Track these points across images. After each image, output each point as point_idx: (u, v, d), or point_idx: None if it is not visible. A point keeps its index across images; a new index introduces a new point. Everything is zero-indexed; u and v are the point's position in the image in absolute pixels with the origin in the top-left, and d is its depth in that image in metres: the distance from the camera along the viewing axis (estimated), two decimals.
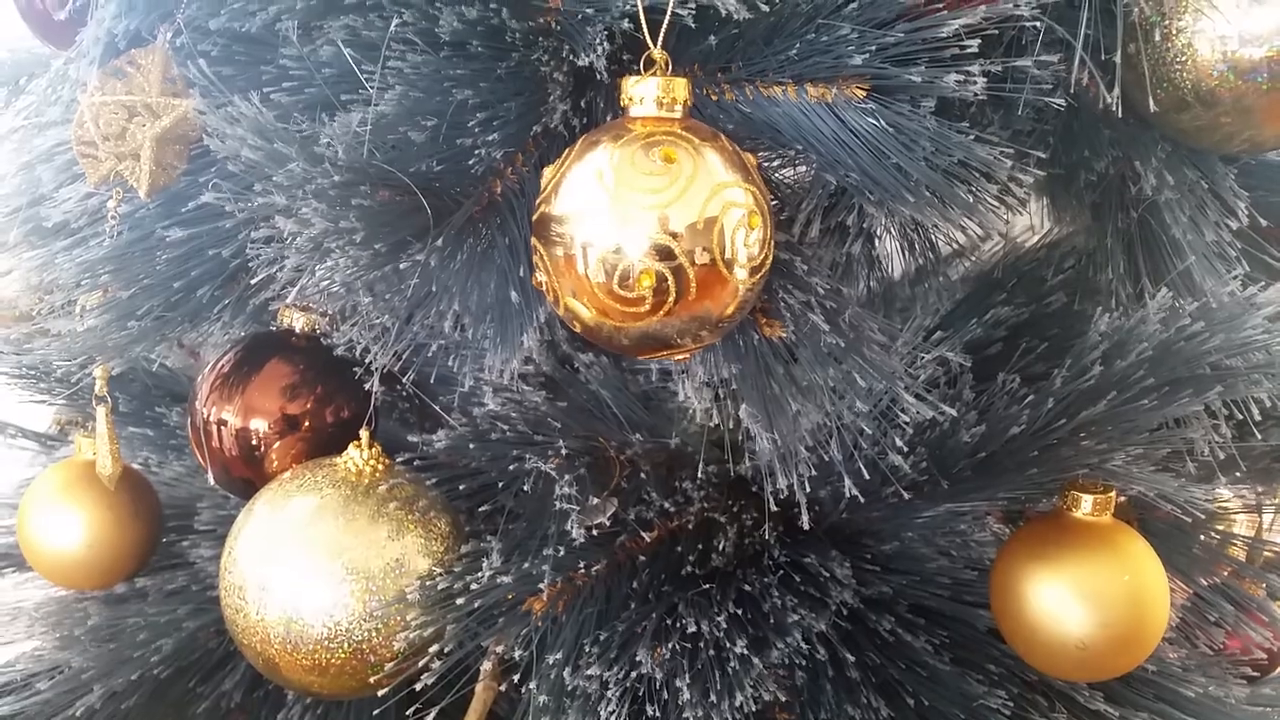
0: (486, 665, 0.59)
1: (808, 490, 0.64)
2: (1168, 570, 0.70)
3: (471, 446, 0.56)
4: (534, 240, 0.45)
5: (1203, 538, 0.70)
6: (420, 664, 0.50)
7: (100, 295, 0.55)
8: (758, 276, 0.45)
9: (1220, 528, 0.70)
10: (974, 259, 0.69)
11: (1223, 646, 0.76)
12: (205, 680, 0.67)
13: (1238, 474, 0.60)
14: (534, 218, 0.46)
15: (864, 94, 0.51)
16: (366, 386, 0.52)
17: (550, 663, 0.48)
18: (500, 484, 0.56)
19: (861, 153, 0.51)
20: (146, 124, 0.56)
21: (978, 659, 0.61)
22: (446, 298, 0.49)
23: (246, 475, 0.60)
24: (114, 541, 0.71)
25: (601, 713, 0.46)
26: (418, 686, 0.52)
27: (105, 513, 0.71)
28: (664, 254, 0.43)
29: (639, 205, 0.43)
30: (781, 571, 0.58)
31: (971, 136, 0.49)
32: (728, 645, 0.50)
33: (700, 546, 0.61)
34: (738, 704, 0.47)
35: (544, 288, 0.46)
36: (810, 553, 0.60)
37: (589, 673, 0.47)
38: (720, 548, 0.61)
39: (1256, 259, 0.61)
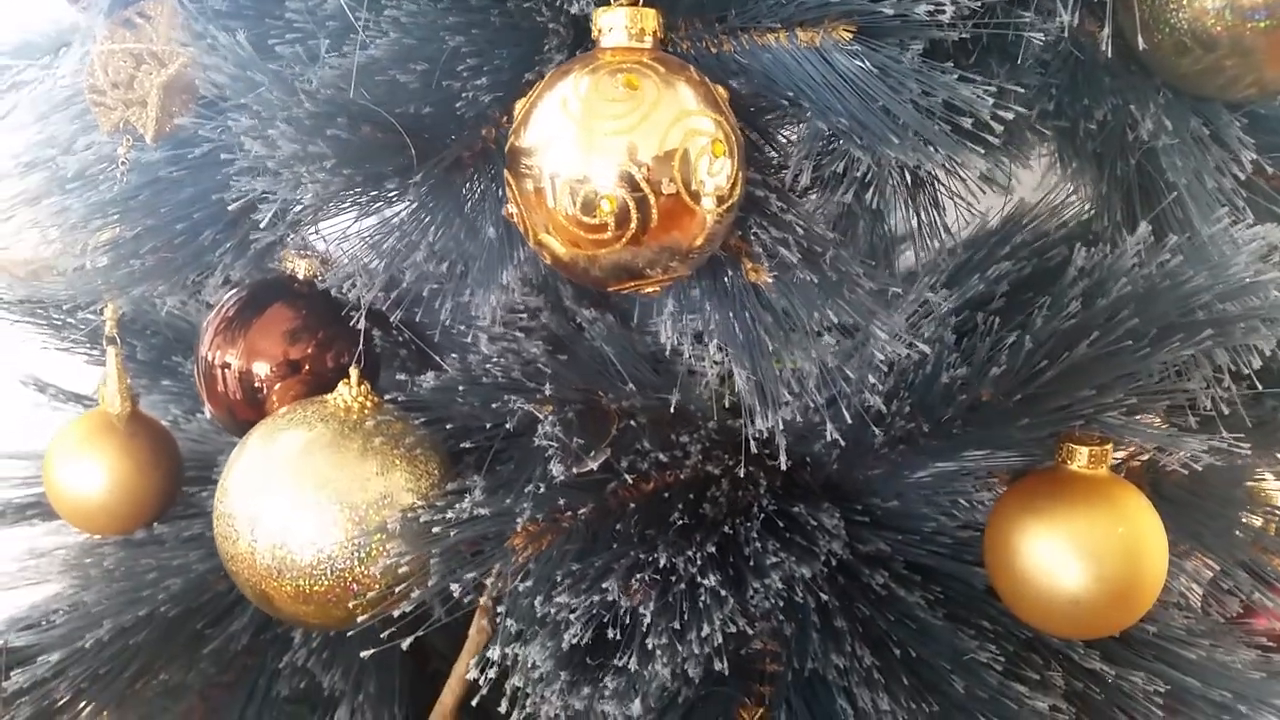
0: (483, 602, 0.60)
1: (801, 444, 0.65)
2: (1189, 543, 0.69)
3: (461, 389, 0.57)
4: (506, 173, 0.46)
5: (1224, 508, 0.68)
6: (406, 595, 0.51)
7: (109, 235, 0.56)
8: (725, 207, 0.45)
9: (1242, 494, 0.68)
10: (980, 214, 0.68)
11: (1240, 618, 0.74)
12: (214, 623, 0.69)
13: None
14: (506, 150, 0.46)
15: (850, 36, 0.51)
16: (354, 324, 0.53)
17: (521, 590, 0.48)
18: (488, 426, 0.57)
19: (850, 96, 0.51)
20: (153, 71, 0.58)
21: (972, 616, 0.61)
22: (428, 235, 0.50)
23: (250, 418, 0.62)
24: (132, 488, 0.74)
25: (565, 637, 0.46)
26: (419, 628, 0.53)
27: (125, 460, 0.73)
28: (628, 181, 0.43)
29: (603, 132, 0.43)
30: (765, 517, 0.57)
31: (955, 76, 0.49)
32: (700, 580, 0.50)
33: (692, 497, 0.61)
34: (704, 634, 0.47)
35: (515, 219, 0.47)
36: (799, 503, 0.60)
37: (558, 600, 0.47)
38: (713, 498, 0.61)
39: (1264, 209, 0.59)
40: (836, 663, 0.56)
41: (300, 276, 0.63)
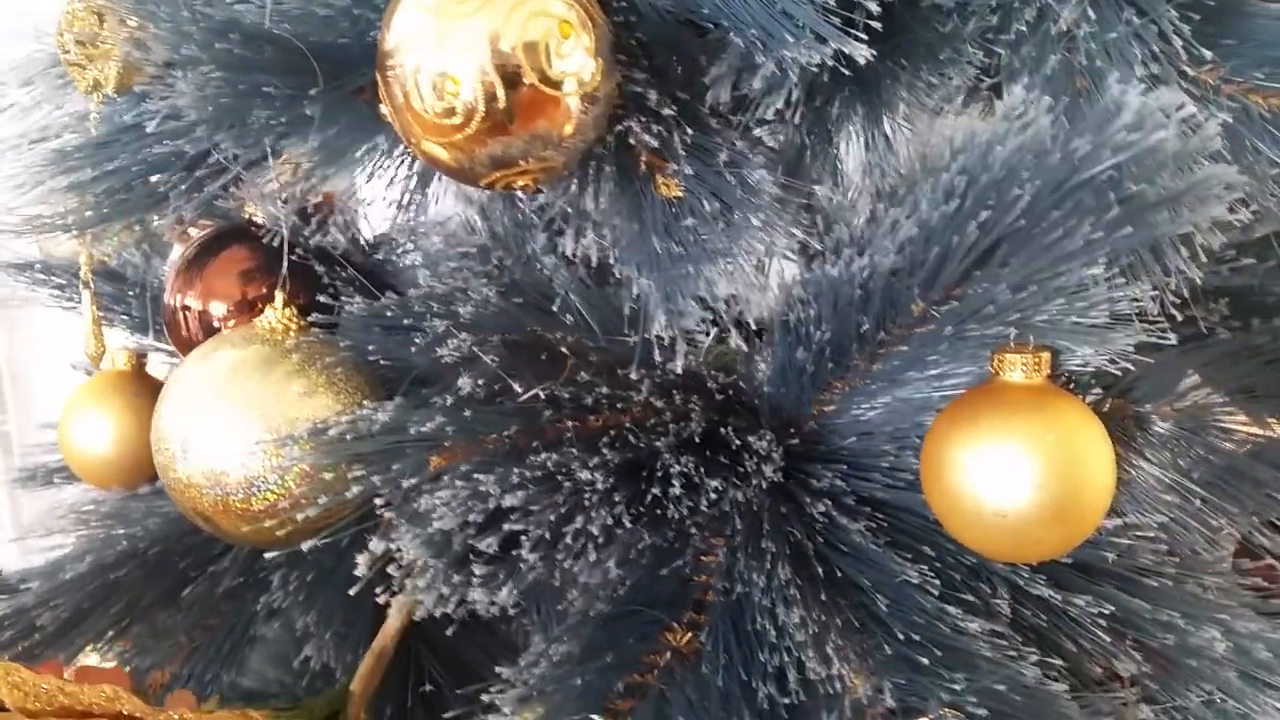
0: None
1: (747, 381, 0.64)
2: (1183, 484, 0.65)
3: (389, 314, 0.58)
4: (377, 77, 0.48)
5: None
6: (313, 501, 0.52)
7: (69, 180, 0.61)
8: (587, 95, 0.46)
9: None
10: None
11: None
12: (197, 565, 0.72)
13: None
14: (377, 54, 0.48)
15: None
16: (288, 252, 0.55)
17: (405, 486, 0.49)
18: (414, 351, 0.58)
19: (755, 4, 0.51)
20: (116, 26, 0.62)
21: (916, 544, 0.58)
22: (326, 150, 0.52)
23: None
24: (138, 443, 0.78)
25: (434, 523, 0.46)
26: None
27: (131, 417, 0.78)
28: (483, 70, 0.44)
29: (454, 18, 0.44)
30: (688, 437, 0.57)
31: None
32: (589, 482, 0.49)
33: (628, 425, 0.61)
34: (578, 526, 0.47)
35: (396, 126, 0.48)
36: (728, 426, 0.59)
37: (440, 494, 0.48)
38: (650, 428, 0.61)
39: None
40: (759, 582, 0.55)
41: (259, 220, 0.66)
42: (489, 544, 0.46)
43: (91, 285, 0.68)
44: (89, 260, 0.67)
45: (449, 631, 0.68)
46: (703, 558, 0.61)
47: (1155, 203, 0.47)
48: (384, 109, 0.48)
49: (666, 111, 0.50)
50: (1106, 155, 0.45)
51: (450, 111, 0.44)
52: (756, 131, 0.65)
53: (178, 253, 0.66)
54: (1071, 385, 0.61)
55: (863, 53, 0.48)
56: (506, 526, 0.46)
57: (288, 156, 0.57)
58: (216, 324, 0.64)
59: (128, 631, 0.70)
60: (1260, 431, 0.65)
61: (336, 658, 0.67)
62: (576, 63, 0.45)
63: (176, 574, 0.71)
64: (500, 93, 0.44)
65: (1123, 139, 0.43)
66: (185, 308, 0.65)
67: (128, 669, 0.73)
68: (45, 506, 0.83)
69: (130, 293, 0.78)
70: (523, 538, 0.47)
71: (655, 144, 0.49)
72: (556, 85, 0.45)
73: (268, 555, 0.72)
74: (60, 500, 0.85)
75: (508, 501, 0.47)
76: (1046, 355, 0.54)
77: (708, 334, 0.64)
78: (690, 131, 0.51)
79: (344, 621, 0.69)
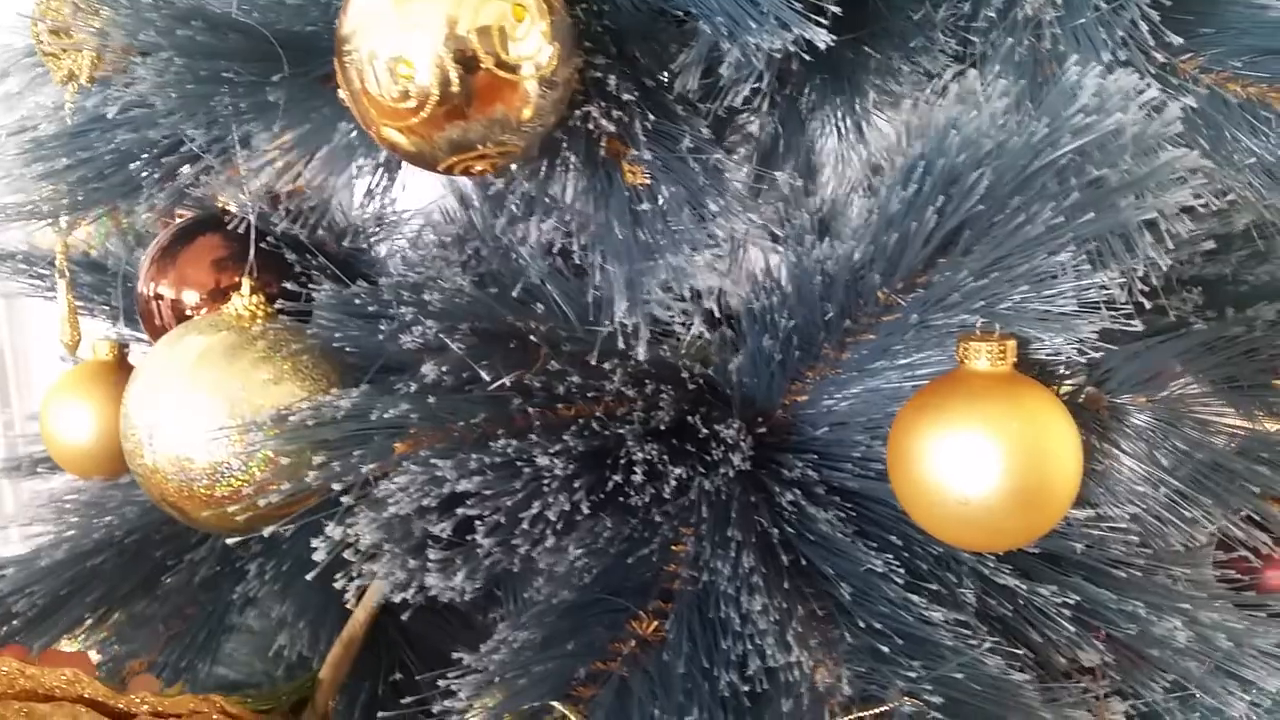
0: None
1: (720, 373, 0.64)
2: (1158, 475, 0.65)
3: (357, 301, 0.58)
4: (335, 63, 0.48)
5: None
6: (277, 486, 0.52)
7: (44, 168, 0.61)
8: (545, 74, 0.45)
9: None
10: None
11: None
12: (174, 553, 0.72)
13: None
14: (335, 40, 0.48)
15: None
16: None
17: (365, 471, 0.49)
18: (381, 338, 0.58)
19: None
20: (88, 16, 0.62)
21: (884, 534, 0.58)
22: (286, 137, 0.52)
23: None
24: (119, 433, 0.78)
25: (390, 507, 0.46)
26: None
27: (113, 407, 0.78)
28: (438, 54, 0.44)
29: (410, 4, 0.44)
30: (654, 427, 0.56)
31: None
32: (548, 468, 0.49)
33: (598, 414, 0.61)
34: (535, 511, 0.47)
35: (355, 114, 0.48)
36: (699, 415, 0.59)
37: (397, 480, 0.48)
38: (620, 417, 0.61)
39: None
40: (724, 570, 0.54)
41: (232, 209, 0.66)
42: (442, 528, 0.46)
43: (67, 274, 0.68)
44: (64, 249, 0.68)
45: (425, 620, 0.69)
46: (673, 547, 0.61)
47: (1118, 188, 0.47)
48: (343, 94, 0.48)
49: (627, 97, 0.50)
50: (1066, 139, 0.45)
51: (405, 95, 0.44)
52: (727, 119, 0.65)
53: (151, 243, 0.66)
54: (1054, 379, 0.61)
55: (823, 38, 0.48)
56: (460, 511, 0.46)
57: (269, 147, 0.58)
58: (189, 312, 0.64)
59: (106, 620, 0.70)
60: (1238, 423, 0.65)
61: (311, 647, 0.68)
62: (532, 47, 0.45)
63: (154, 562, 0.71)
64: (454, 76, 0.44)
65: (1080, 121, 0.43)
66: (158, 296, 0.65)
67: (106, 656, 0.73)
68: (31, 496, 0.84)
69: (112, 283, 0.78)
70: (478, 523, 0.46)
71: (613, 128, 0.49)
72: (513, 69, 0.45)
73: (244, 544, 0.72)
74: (49, 490, 0.86)
75: (462, 486, 0.47)
76: (1012, 343, 0.53)
77: (686, 326, 0.64)
78: (652, 117, 0.51)
79: (319, 610, 0.69)
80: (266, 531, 0.52)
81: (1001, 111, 0.42)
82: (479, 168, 0.48)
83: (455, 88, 0.44)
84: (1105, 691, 0.60)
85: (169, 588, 0.71)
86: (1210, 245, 0.66)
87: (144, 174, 0.62)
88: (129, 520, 0.70)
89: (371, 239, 0.68)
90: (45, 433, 0.80)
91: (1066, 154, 0.45)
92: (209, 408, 0.55)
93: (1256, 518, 0.63)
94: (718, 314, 0.69)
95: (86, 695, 0.50)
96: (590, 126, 0.50)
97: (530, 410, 0.61)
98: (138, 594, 0.71)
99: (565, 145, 0.54)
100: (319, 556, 0.48)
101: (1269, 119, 0.64)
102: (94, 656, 0.75)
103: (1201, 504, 0.62)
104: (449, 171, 0.48)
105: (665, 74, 0.57)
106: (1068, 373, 0.62)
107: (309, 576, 0.48)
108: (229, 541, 0.60)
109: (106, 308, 0.80)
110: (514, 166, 0.59)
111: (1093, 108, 0.44)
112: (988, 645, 0.48)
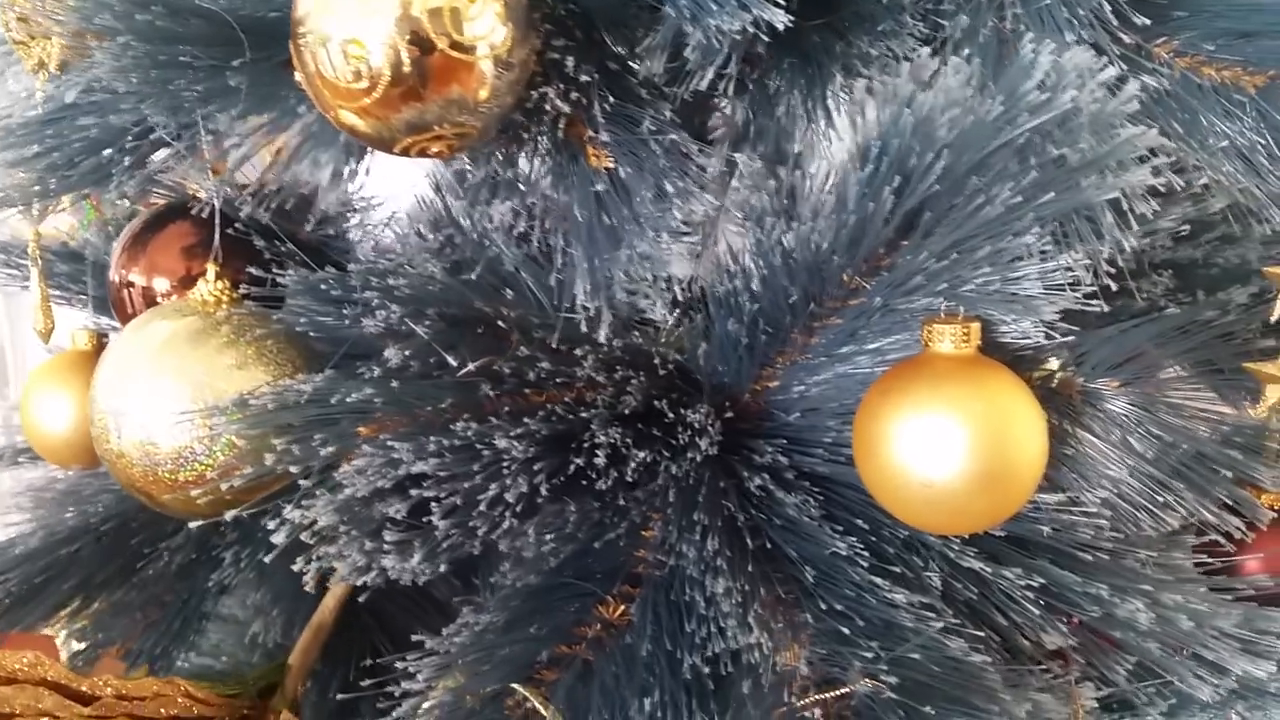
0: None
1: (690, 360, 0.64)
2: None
3: (323, 286, 0.58)
4: (291, 46, 0.48)
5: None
6: (238, 469, 0.52)
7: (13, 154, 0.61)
8: (499, 55, 0.45)
9: None
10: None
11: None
12: (150, 541, 0.72)
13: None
14: (291, 22, 0.48)
15: None
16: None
17: (324, 455, 0.49)
18: (346, 324, 0.58)
19: None
20: (56, 3, 0.62)
21: (851, 518, 0.58)
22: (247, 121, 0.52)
23: None
24: None
25: (346, 489, 0.46)
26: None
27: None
28: (390, 35, 0.44)
29: None
30: (621, 411, 0.56)
31: None
32: (506, 451, 0.49)
33: (567, 400, 0.61)
34: (493, 494, 0.47)
35: (310, 94, 0.48)
36: (666, 400, 0.58)
37: (355, 462, 0.48)
38: (590, 403, 0.61)
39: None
40: (690, 554, 0.54)
41: (202, 196, 0.66)
42: (397, 510, 0.46)
43: (39, 262, 0.68)
44: (37, 237, 0.68)
45: (400, 607, 0.69)
46: (643, 533, 0.61)
47: (1078, 167, 0.47)
48: (299, 77, 0.48)
49: (585, 78, 0.49)
50: (1024, 117, 0.45)
51: (357, 76, 0.44)
52: (706, 105, 0.65)
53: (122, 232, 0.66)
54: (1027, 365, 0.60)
55: (781, 19, 0.47)
56: (415, 492, 0.46)
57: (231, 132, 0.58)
58: (160, 299, 0.64)
59: (85, 608, 0.71)
60: (1212, 407, 0.64)
61: (285, 634, 0.68)
62: (486, 27, 0.44)
63: (130, 550, 0.71)
64: (406, 57, 0.44)
65: (1037, 99, 0.43)
66: (129, 284, 0.65)
67: (86, 643, 0.74)
68: (11, 486, 0.84)
69: (89, 273, 0.78)
70: (434, 505, 0.46)
71: (569, 109, 0.49)
72: (467, 50, 0.45)
73: (220, 532, 0.72)
74: (27, 480, 0.86)
75: (418, 468, 0.47)
76: (976, 325, 0.53)
77: (666, 315, 0.64)
78: (613, 99, 0.51)
79: (294, 598, 0.69)
80: (228, 516, 0.51)
81: (957, 88, 0.42)
82: (435, 149, 0.48)
83: (407, 68, 0.44)
84: (1076, 678, 0.60)
85: (146, 576, 0.71)
86: (1185, 230, 0.66)
87: (114, 161, 0.62)
88: (105, 508, 0.71)
89: (342, 226, 0.68)
90: (25, 422, 0.80)
91: (1024, 133, 0.45)
92: (174, 393, 0.56)
93: (1230, 503, 0.62)
94: (690, 299, 0.69)
95: (49, 678, 0.50)
96: (548, 107, 0.50)
97: (499, 396, 0.61)
98: (115, 582, 0.71)
99: (530, 128, 0.54)
100: (278, 539, 0.48)
101: (1242, 103, 0.63)
102: (74, 645, 0.75)
103: (1174, 489, 0.62)
104: (405, 153, 0.47)
105: (632, 58, 0.57)
106: (1041, 358, 0.62)
107: (267, 558, 0.47)
108: (193, 525, 0.60)
109: (84, 297, 0.80)
110: (485, 150, 0.59)
111: (1048, 84, 0.44)
112: (941, 625, 0.48)
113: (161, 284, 0.65)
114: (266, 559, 0.48)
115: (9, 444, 0.88)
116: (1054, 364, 0.64)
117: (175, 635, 0.71)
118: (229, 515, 0.52)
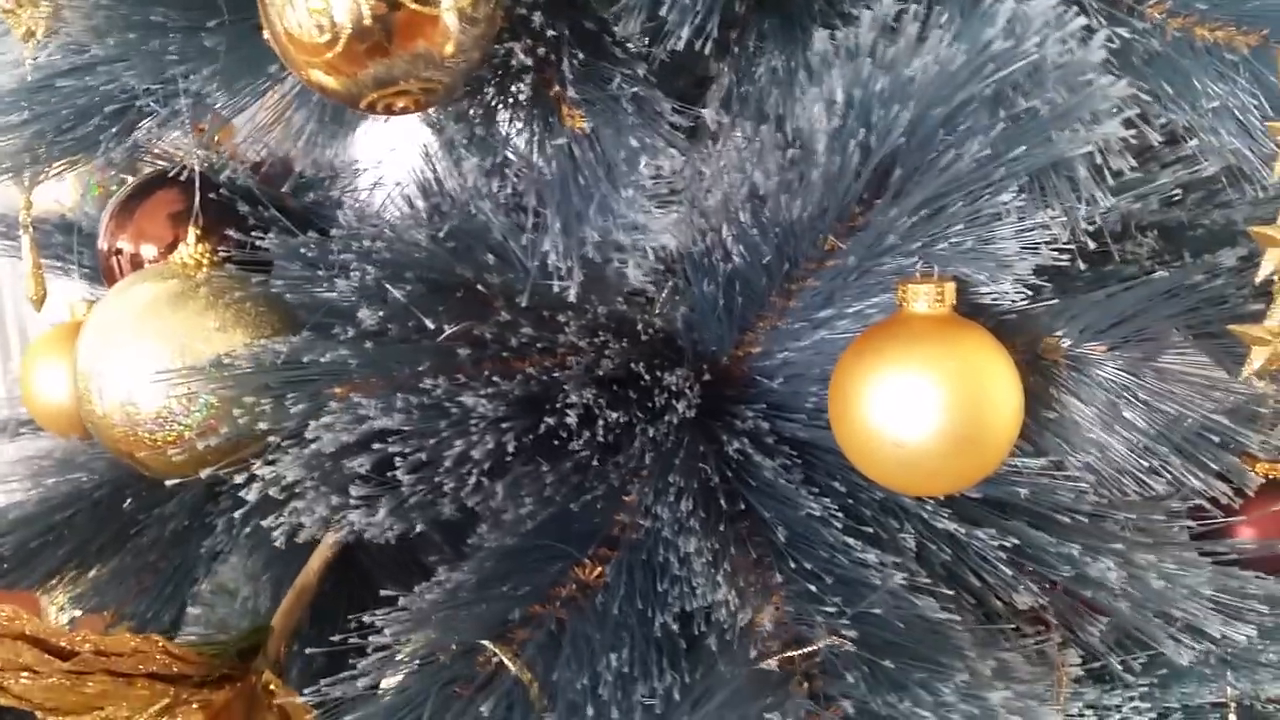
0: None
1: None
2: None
3: (303, 250, 0.58)
4: (259, 5, 0.48)
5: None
6: (215, 430, 0.53)
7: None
8: (463, 9, 0.45)
9: None
10: None
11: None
12: (144, 509, 0.73)
13: None
14: None
15: None
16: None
17: (294, 413, 0.49)
18: (322, 286, 0.58)
19: None
20: None
21: (828, 480, 0.57)
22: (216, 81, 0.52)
23: None
24: None
25: (311, 444, 0.47)
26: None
27: None
28: None
29: None
30: (597, 374, 0.56)
31: None
32: (472, 408, 0.49)
33: (548, 365, 0.61)
34: (459, 450, 0.47)
35: (278, 53, 0.49)
36: (643, 363, 0.58)
37: (323, 420, 0.48)
38: (570, 367, 0.61)
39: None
40: (665, 516, 0.54)
41: (187, 162, 0.67)
42: (361, 464, 0.46)
43: (31, 230, 0.69)
44: (28, 205, 0.69)
45: (388, 571, 0.69)
46: (623, 497, 0.61)
47: (1049, 120, 0.46)
48: (266, 35, 0.48)
49: (552, 33, 0.49)
50: (989, 67, 0.44)
51: (319, 30, 0.44)
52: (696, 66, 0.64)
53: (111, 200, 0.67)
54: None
55: None
56: (377, 446, 0.46)
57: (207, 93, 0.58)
58: (146, 266, 0.65)
59: (82, 574, 0.72)
60: (1200, 372, 0.63)
61: (274, 599, 0.68)
62: None
63: (124, 517, 0.72)
64: (367, 11, 0.44)
65: (999, 48, 0.42)
66: (118, 251, 0.66)
67: (83, 609, 0.75)
68: (9, 455, 0.85)
69: (85, 243, 0.79)
70: (398, 460, 0.47)
71: (532, 63, 0.48)
72: (430, 4, 0.45)
73: (214, 499, 0.73)
74: (21, 449, 0.87)
75: (383, 423, 0.47)
76: (951, 285, 0.53)
77: (646, 281, 0.64)
78: (582, 55, 0.51)
79: (285, 564, 0.69)
80: (204, 474, 0.52)
81: (916, 37, 0.42)
82: (401, 104, 0.48)
83: (368, 22, 0.44)
84: (1059, 643, 0.59)
85: (140, 542, 0.72)
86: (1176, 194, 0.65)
87: (101, 128, 0.63)
88: (98, 475, 0.71)
89: (327, 191, 0.69)
90: (25, 393, 0.81)
91: (992, 84, 0.44)
92: (155, 355, 0.56)
93: (1217, 469, 0.61)
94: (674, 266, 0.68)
95: (28, 632, 0.51)
96: (514, 63, 0.50)
97: (480, 362, 0.61)
98: (109, 548, 0.72)
99: (505, 86, 0.54)
100: (250, 496, 0.49)
101: (1235, 63, 0.62)
102: (75, 613, 0.76)
103: (1160, 454, 0.61)
104: (371, 108, 0.48)
105: (608, 16, 0.57)
106: (1026, 322, 0.61)
107: (238, 514, 0.48)
108: (173, 485, 0.60)
109: (80, 268, 0.81)
110: (462, 108, 0.59)
111: (1006, 32, 0.43)
112: (907, 583, 0.47)
113: (149, 251, 0.65)
114: (237, 515, 0.49)
115: (11, 415, 0.89)
116: (1036, 327, 0.63)
117: (167, 599, 0.72)
118: (204, 474, 0.52)
